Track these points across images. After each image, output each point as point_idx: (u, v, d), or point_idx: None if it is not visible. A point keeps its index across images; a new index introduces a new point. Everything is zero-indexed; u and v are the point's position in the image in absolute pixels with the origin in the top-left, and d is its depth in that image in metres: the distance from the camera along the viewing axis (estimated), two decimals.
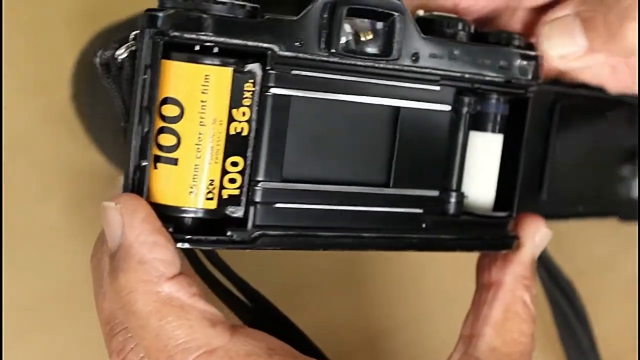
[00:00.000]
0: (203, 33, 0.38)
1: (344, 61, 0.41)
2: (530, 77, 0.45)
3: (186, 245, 0.39)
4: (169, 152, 0.39)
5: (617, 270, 0.63)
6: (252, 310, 0.46)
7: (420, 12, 0.45)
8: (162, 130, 0.39)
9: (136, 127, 0.39)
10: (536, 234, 0.47)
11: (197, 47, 0.39)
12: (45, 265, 0.54)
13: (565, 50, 0.45)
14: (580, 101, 0.52)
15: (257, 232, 0.40)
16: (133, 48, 0.40)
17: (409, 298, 0.57)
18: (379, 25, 0.41)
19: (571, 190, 0.53)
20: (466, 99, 0.45)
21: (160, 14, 0.38)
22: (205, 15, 0.38)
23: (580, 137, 0.53)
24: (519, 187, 0.47)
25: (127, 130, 0.40)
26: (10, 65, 0.57)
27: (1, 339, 0.52)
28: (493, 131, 0.46)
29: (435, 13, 0.45)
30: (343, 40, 0.41)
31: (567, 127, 0.52)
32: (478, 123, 0.46)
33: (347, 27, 0.41)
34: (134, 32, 0.40)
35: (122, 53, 0.40)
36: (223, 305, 0.45)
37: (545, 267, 0.54)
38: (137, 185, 0.39)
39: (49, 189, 0.55)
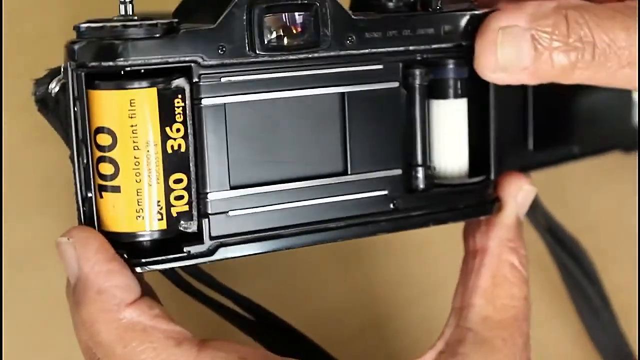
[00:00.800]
0: (120, 59, 0.38)
1: (274, 59, 0.40)
2: None
3: (144, 269, 0.40)
4: (111, 181, 0.40)
5: (626, 222, 0.61)
6: (249, 320, 0.46)
7: None
8: (100, 159, 0.39)
9: (76, 160, 0.40)
10: (518, 193, 0.46)
11: (123, 72, 0.39)
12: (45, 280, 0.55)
13: (511, 62, 0.43)
14: None
15: (215, 243, 0.41)
16: (63, 81, 0.40)
17: (412, 276, 0.57)
18: (303, 16, 0.41)
19: (561, 132, 0.51)
20: (416, 71, 0.43)
21: (76, 47, 0.39)
22: (117, 42, 0.38)
23: None
24: (493, 149, 0.46)
25: (72, 162, 0.40)
26: (9, 82, 0.58)
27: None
28: (455, 97, 0.45)
29: None
30: (269, 38, 0.40)
31: None
32: (437, 91, 0.45)
33: (270, 25, 0.40)
34: (62, 65, 0.40)
35: (54, 87, 0.41)
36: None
37: (548, 227, 0.52)
38: (88, 216, 0.40)
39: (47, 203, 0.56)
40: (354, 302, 0.56)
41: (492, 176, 0.46)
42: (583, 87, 0.51)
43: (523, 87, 0.49)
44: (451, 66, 0.44)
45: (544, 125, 0.50)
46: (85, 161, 0.39)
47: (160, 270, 0.41)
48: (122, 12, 0.39)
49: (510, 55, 0.42)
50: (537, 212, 0.54)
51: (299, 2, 0.40)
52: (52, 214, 0.53)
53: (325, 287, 0.56)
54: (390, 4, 0.43)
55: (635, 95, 0.54)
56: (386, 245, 0.56)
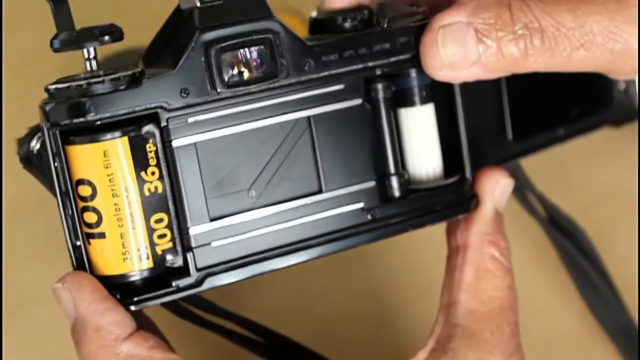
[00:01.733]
0: (90, 114, 0.41)
1: (236, 94, 0.42)
2: None
3: (139, 306, 0.42)
4: (96, 228, 0.42)
5: (626, 194, 0.62)
6: (253, 339, 0.48)
7: (314, 14, 0.46)
8: (84, 209, 0.42)
9: (62, 212, 0.42)
10: (495, 188, 0.47)
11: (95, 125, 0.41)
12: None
13: (456, 58, 0.44)
14: None
15: (202, 274, 0.43)
16: (42, 139, 0.42)
17: (413, 274, 0.58)
18: (259, 50, 0.42)
19: (542, 117, 0.52)
20: (378, 86, 0.45)
21: (48, 108, 0.41)
22: (84, 99, 0.40)
23: None
24: (465, 148, 0.47)
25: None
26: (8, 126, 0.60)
27: None
28: (421, 103, 0.46)
29: (329, 9, 0.46)
30: (229, 74, 0.42)
31: None
32: (403, 99, 0.46)
33: (228, 63, 0.42)
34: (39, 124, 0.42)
35: (35, 144, 0.43)
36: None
37: (543, 209, 0.54)
38: (79, 262, 0.42)
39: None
40: (357, 305, 0.58)
41: (468, 174, 0.47)
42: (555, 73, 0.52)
43: (495, 79, 0.50)
44: (413, 75, 0.46)
45: (522, 113, 0.51)
46: (70, 212, 0.42)
47: (160, 304, 0.43)
48: (88, 69, 0.42)
49: (454, 52, 0.43)
50: (531, 195, 0.55)
51: (253, 37, 0.42)
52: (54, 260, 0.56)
53: (327, 292, 0.58)
54: (347, 24, 0.45)
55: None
56: (385, 246, 0.58)
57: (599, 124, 0.55)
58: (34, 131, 0.44)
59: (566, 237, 0.56)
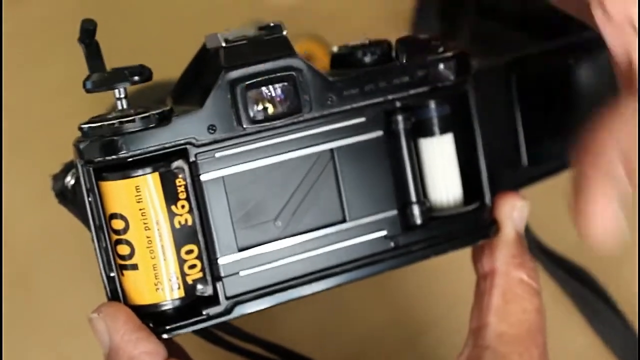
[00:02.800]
0: (122, 152, 0.42)
1: (261, 129, 0.44)
2: (454, 76, 0.46)
3: (171, 334, 0.44)
4: (129, 260, 0.44)
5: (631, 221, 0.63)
6: None
7: (335, 49, 0.48)
8: (117, 242, 0.44)
9: (97, 245, 0.44)
10: (513, 211, 0.49)
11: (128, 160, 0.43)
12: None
13: None
14: (536, 63, 0.52)
15: (231, 303, 0.44)
16: (76, 175, 0.44)
17: (440, 293, 0.60)
18: (283, 87, 0.44)
19: (555, 143, 0.54)
20: (398, 117, 0.46)
21: (82, 146, 0.43)
22: (116, 137, 0.42)
23: (547, 91, 0.53)
24: (484, 176, 0.48)
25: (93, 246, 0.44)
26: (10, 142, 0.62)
27: None
28: (441, 133, 0.48)
29: (350, 44, 0.47)
30: (254, 111, 0.44)
31: (531, 90, 0.52)
32: (423, 130, 0.47)
33: (254, 100, 0.44)
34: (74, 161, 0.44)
35: (70, 180, 0.45)
36: None
37: (540, 250, 0.55)
38: (113, 293, 0.44)
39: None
40: (382, 329, 0.59)
41: (487, 201, 0.48)
42: (568, 98, 0.54)
43: (510, 107, 0.52)
44: (432, 106, 0.47)
45: (536, 139, 0.53)
46: (104, 245, 0.43)
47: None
48: (119, 107, 0.43)
49: None
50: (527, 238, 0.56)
51: (277, 75, 0.44)
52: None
53: (351, 317, 0.59)
54: (367, 59, 0.46)
55: None
56: (407, 271, 0.59)
57: None
58: (68, 167, 0.46)
59: (568, 275, 0.58)
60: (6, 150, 0.62)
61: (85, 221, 0.45)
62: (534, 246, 0.57)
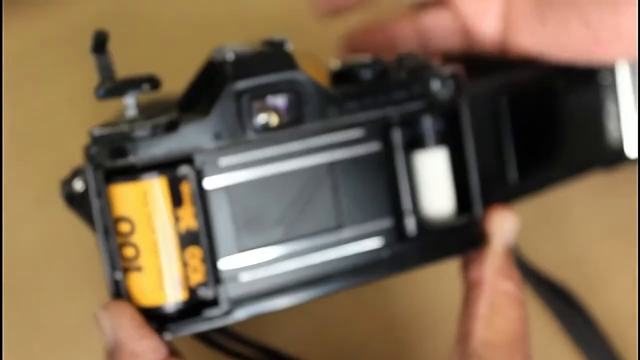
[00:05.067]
0: (131, 156, 0.44)
1: (264, 137, 0.46)
2: (449, 94, 0.48)
3: (171, 335, 0.45)
4: (134, 262, 0.45)
5: (622, 239, 0.65)
6: None
7: (334, 64, 0.50)
8: (123, 244, 0.45)
9: (103, 247, 0.45)
10: (503, 224, 0.51)
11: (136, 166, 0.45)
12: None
13: None
14: (526, 85, 0.54)
15: (232, 306, 0.46)
16: (85, 179, 0.46)
17: (429, 305, 0.61)
18: (286, 98, 0.46)
19: (543, 160, 0.56)
20: (395, 131, 0.48)
21: (92, 151, 0.44)
22: (126, 142, 0.44)
23: (535, 113, 0.55)
24: (475, 189, 0.50)
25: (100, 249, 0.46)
26: (12, 152, 0.64)
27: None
28: (435, 147, 0.50)
29: (349, 61, 0.49)
30: (258, 120, 0.46)
31: (521, 110, 0.54)
32: (418, 143, 0.49)
33: (258, 109, 0.46)
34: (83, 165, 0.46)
35: (78, 184, 0.47)
36: None
37: (525, 271, 0.57)
38: (118, 294, 0.45)
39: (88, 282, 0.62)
40: (374, 335, 0.60)
41: (477, 214, 0.50)
42: (556, 113, 0.56)
43: (500, 125, 0.54)
44: (427, 120, 0.49)
45: (525, 156, 0.55)
46: (110, 247, 0.45)
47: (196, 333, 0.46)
48: (129, 114, 0.45)
49: None
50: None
51: (280, 86, 0.46)
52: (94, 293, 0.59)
53: (344, 322, 0.61)
54: (367, 75, 0.48)
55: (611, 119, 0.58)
56: (400, 279, 0.61)
57: (590, 166, 0.59)
58: (77, 172, 0.47)
59: (555, 296, 0.61)
60: (7, 158, 0.64)
61: (91, 224, 0.47)
62: (518, 264, 0.59)
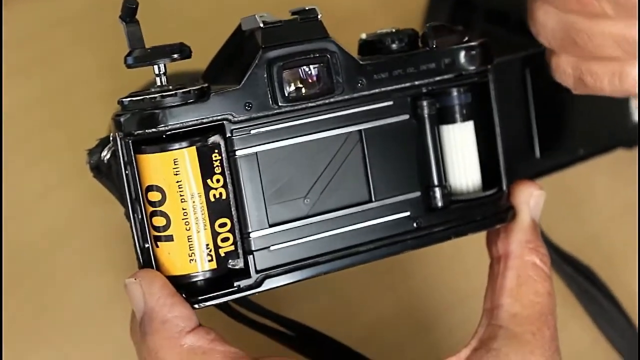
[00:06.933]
0: (161, 125, 0.44)
1: (295, 108, 0.46)
2: (477, 65, 0.48)
3: (201, 305, 0.45)
4: (164, 231, 0.45)
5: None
6: (294, 338, 0.51)
7: (363, 35, 0.49)
8: (153, 214, 0.45)
9: (132, 216, 0.45)
10: (530, 199, 0.50)
11: (165, 135, 0.44)
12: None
13: None
14: None
15: (261, 276, 0.46)
16: (113, 148, 0.46)
17: (450, 283, 0.61)
18: (317, 68, 0.46)
19: (565, 137, 0.56)
20: (424, 103, 0.48)
21: (122, 119, 0.44)
22: (157, 111, 0.44)
23: (560, 87, 0.55)
24: (502, 162, 0.50)
25: (127, 218, 0.46)
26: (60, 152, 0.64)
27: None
28: (462, 120, 0.50)
29: (378, 32, 0.49)
30: (289, 90, 0.45)
31: (544, 85, 0.54)
32: (445, 116, 0.49)
33: (289, 79, 0.45)
34: (112, 134, 0.46)
35: (106, 154, 0.46)
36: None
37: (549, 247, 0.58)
38: (147, 264, 0.45)
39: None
40: (398, 312, 0.60)
41: (504, 187, 0.50)
42: (579, 95, 0.56)
43: (524, 100, 0.54)
44: (455, 94, 0.49)
45: (548, 133, 0.55)
46: (140, 217, 0.45)
47: (215, 305, 0.46)
48: (158, 83, 0.45)
49: None
50: None
51: (312, 56, 0.45)
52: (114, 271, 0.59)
53: (370, 301, 0.61)
54: (394, 46, 0.48)
55: (634, 100, 0.58)
56: (423, 256, 0.61)
57: (614, 145, 0.59)
58: (105, 142, 0.47)
59: (575, 271, 0.61)
60: (7, 147, 0.63)
61: (119, 194, 0.46)
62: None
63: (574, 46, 0.48)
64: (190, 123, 0.44)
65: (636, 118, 0.59)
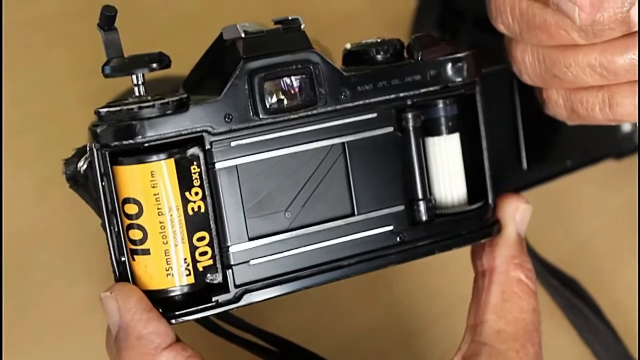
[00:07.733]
0: (138, 137, 0.43)
1: (276, 120, 0.45)
2: (465, 77, 0.47)
3: (178, 321, 0.44)
4: (141, 245, 0.44)
5: (625, 228, 0.64)
6: (276, 353, 0.50)
7: (348, 46, 0.48)
8: (130, 227, 0.44)
9: (108, 229, 0.44)
10: (516, 213, 0.50)
11: (142, 147, 0.43)
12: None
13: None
14: None
15: (240, 291, 0.45)
16: (90, 159, 0.45)
17: (436, 294, 0.60)
18: (299, 80, 0.45)
19: (553, 149, 0.55)
20: (408, 115, 0.47)
21: (98, 130, 0.43)
22: (134, 122, 0.43)
23: None
24: (489, 176, 0.49)
25: (104, 230, 0.45)
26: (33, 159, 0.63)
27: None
28: (448, 133, 0.49)
29: (362, 42, 0.48)
30: (270, 102, 0.44)
31: (532, 95, 0.53)
32: (430, 129, 0.48)
33: (270, 91, 0.44)
34: (88, 144, 0.45)
35: (82, 165, 0.45)
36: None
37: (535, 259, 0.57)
38: (123, 277, 0.44)
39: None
40: (383, 323, 0.60)
41: (490, 201, 0.49)
42: None
43: (512, 112, 0.53)
44: (441, 106, 0.48)
45: (536, 144, 0.54)
46: (116, 229, 0.44)
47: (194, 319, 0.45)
48: (136, 93, 0.44)
49: None
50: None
51: (294, 67, 0.44)
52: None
53: (354, 311, 0.60)
54: (379, 57, 0.47)
55: None
56: (409, 267, 0.60)
57: (603, 156, 0.58)
58: (81, 152, 0.46)
59: (563, 287, 0.60)
60: (5, 141, 0.62)
61: (95, 206, 0.45)
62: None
63: (556, 79, 0.48)
64: (169, 135, 0.43)
65: (627, 128, 0.58)
